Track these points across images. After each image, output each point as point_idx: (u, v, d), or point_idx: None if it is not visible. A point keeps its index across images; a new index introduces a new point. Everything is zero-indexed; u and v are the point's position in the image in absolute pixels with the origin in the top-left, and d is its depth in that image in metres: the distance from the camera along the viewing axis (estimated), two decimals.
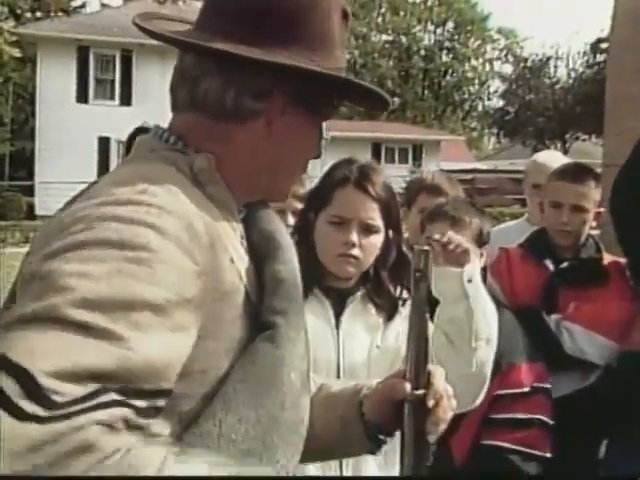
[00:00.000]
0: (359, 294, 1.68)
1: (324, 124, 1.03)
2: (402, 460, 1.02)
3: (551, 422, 2.10)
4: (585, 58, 32.40)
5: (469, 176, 22.05)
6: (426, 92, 40.60)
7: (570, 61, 33.35)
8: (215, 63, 0.93)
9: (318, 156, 1.05)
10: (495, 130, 36.69)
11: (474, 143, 39.41)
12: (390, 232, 1.68)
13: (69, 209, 0.83)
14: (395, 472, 1.59)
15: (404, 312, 1.67)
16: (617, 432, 2.46)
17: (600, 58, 29.57)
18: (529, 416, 2.08)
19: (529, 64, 33.90)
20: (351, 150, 24.41)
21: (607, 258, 2.46)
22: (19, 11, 25.74)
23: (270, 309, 0.92)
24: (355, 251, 1.62)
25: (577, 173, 2.46)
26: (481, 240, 2.03)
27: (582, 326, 2.29)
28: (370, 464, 1.58)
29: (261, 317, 0.91)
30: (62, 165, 19.04)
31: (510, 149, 34.11)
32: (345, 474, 1.55)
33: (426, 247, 1.03)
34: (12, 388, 0.63)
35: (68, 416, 0.64)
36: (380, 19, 40.28)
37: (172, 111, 0.99)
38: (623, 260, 2.48)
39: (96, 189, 0.85)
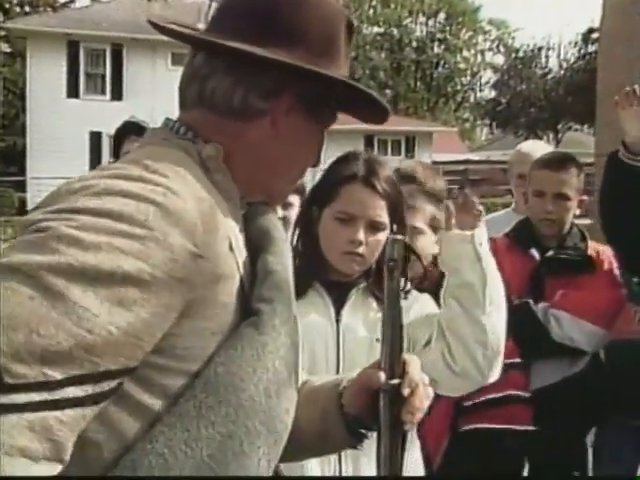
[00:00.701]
0: (360, 288, 1.67)
1: (325, 133, 1.06)
2: (378, 450, 1.01)
3: (527, 395, 2.10)
4: (576, 48, 32.46)
5: (462, 167, 22.12)
6: (418, 84, 40.58)
7: (562, 51, 33.47)
8: (225, 62, 0.96)
9: (316, 164, 1.08)
10: (487, 121, 36.73)
11: (466, 134, 39.45)
12: (395, 227, 1.66)
13: (82, 177, 0.87)
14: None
15: (405, 304, 1.67)
16: (608, 420, 2.49)
17: (591, 48, 29.59)
18: (504, 394, 2.08)
19: (521, 55, 33.94)
20: (344, 142, 24.39)
21: (593, 246, 2.47)
22: (7, 5, 25.56)
23: (257, 297, 0.93)
24: (361, 249, 1.61)
25: (559, 161, 2.47)
26: (435, 227, 2.02)
27: (570, 313, 2.30)
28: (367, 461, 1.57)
29: (249, 305, 0.93)
30: (54, 160, 18.96)
31: (502, 140, 34.13)
32: (344, 469, 1.54)
33: (399, 236, 1.03)
34: None
35: (5, 407, 0.68)
36: (371, 11, 40.19)
37: (180, 109, 1.02)
38: (608, 248, 2.50)
39: (110, 166, 0.89)
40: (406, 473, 1.51)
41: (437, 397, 1.90)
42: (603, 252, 2.46)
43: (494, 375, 1.59)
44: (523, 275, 2.39)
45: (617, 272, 2.44)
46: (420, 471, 1.65)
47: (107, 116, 20.89)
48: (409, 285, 1.68)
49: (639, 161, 2.26)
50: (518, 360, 2.16)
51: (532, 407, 2.12)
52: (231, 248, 0.90)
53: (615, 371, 2.42)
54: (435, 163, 24.95)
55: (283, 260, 1.00)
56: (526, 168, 2.93)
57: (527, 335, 2.28)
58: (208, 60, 0.98)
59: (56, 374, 0.71)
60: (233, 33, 0.96)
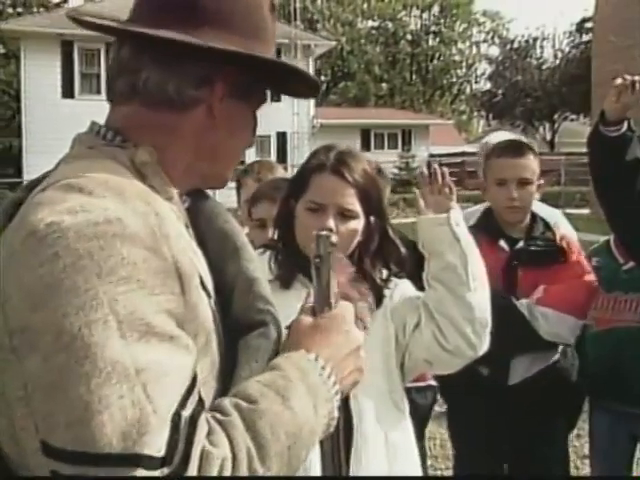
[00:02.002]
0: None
1: (257, 114, 1.05)
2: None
3: None
4: (571, 38, 32.42)
5: (459, 159, 22.08)
6: (414, 77, 40.52)
7: (556, 41, 33.43)
8: (154, 52, 0.93)
9: (251, 145, 1.07)
10: (483, 113, 36.72)
11: (463, 126, 39.43)
12: (371, 218, 1.66)
13: (24, 217, 0.82)
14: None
15: (389, 292, 1.67)
16: (600, 406, 2.51)
17: (586, 38, 29.56)
18: None
19: (515, 46, 33.89)
20: (340, 137, 24.37)
21: (559, 234, 2.45)
22: (0, 7, 25.49)
23: (253, 308, 0.95)
24: (332, 237, 1.59)
25: (517, 147, 2.46)
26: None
27: (554, 309, 2.29)
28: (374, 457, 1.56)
29: (246, 316, 0.95)
30: (50, 161, 18.60)
31: (499, 132, 34.09)
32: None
33: (324, 232, 1.01)
34: None
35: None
36: (365, 5, 40.08)
37: (110, 103, 0.99)
38: (569, 234, 2.49)
39: (45, 198, 0.83)
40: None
41: None
42: (570, 240, 2.45)
43: (484, 347, 1.63)
44: (495, 268, 2.30)
45: (584, 256, 2.45)
46: (411, 438, 1.66)
47: (103, 115, 20.83)
48: (385, 273, 1.69)
49: (613, 131, 2.21)
50: None
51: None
52: (183, 247, 0.88)
53: (603, 360, 2.44)
54: (432, 156, 24.96)
55: (257, 264, 1.01)
56: None
57: (512, 333, 2.26)
58: (136, 52, 0.95)
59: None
60: (157, 22, 0.93)
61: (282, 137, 22.01)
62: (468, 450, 2.55)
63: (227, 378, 0.89)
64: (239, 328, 0.94)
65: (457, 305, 1.58)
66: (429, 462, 3.43)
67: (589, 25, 26.81)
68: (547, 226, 2.45)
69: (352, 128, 25.21)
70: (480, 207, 3.36)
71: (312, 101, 24.13)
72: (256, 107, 1.04)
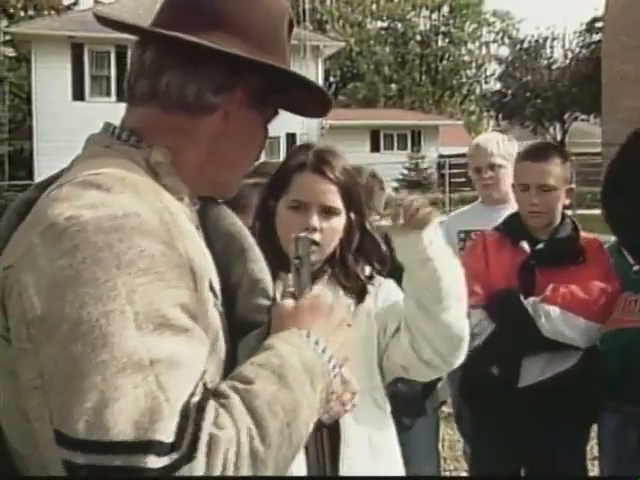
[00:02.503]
0: (325, 277, 1.66)
1: (268, 127, 1.07)
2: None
3: None
4: (581, 38, 32.25)
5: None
6: (423, 77, 40.43)
7: (566, 41, 33.20)
8: (178, 56, 0.95)
9: (259, 157, 1.09)
10: (493, 113, 36.55)
11: (473, 127, 39.28)
12: (352, 215, 1.67)
13: (39, 213, 0.85)
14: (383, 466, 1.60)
15: (374, 292, 1.68)
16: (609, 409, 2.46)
17: (596, 37, 29.42)
18: None
19: (525, 46, 33.74)
20: (349, 138, 24.44)
21: (584, 237, 2.43)
22: (12, 10, 25.63)
23: (256, 308, 0.98)
24: (316, 236, 1.60)
25: (540, 152, 2.42)
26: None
27: (560, 308, 2.25)
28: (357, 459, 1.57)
29: (249, 317, 0.97)
30: (61, 164, 18.70)
31: (509, 131, 34.01)
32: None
33: (303, 234, 1.04)
34: None
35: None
36: (374, 6, 40.02)
37: (128, 104, 1.01)
38: (601, 238, 2.48)
39: (63, 195, 0.85)
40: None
41: None
42: (594, 243, 2.42)
43: (460, 359, 1.61)
44: (513, 268, 2.36)
45: (609, 262, 2.40)
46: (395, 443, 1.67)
47: (113, 118, 20.83)
48: (368, 270, 1.69)
49: None
50: None
51: None
52: (195, 247, 0.90)
53: (612, 360, 2.41)
54: (442, 156, 24.90)
55: (262, 265, 1.03)
56: (480, 161, 2.99)
57: (517, 330, 2.27)
58: (160, 55, 0.97)
59: None
60: (181, 27, 0.95)
61: (291, 138, 22.02)
62: (483, 452, 2.54)
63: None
64: (242, 328, 0.96)
65: (430, 324, 1.54)
66: None
67: (599, 25, 26.68)
68: (574, 228, 2.42)
69: (361, 129, 25.20)
70: (469, 207, 3.38)
71: None
72: (268, 119, 1.06)
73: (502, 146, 2.98)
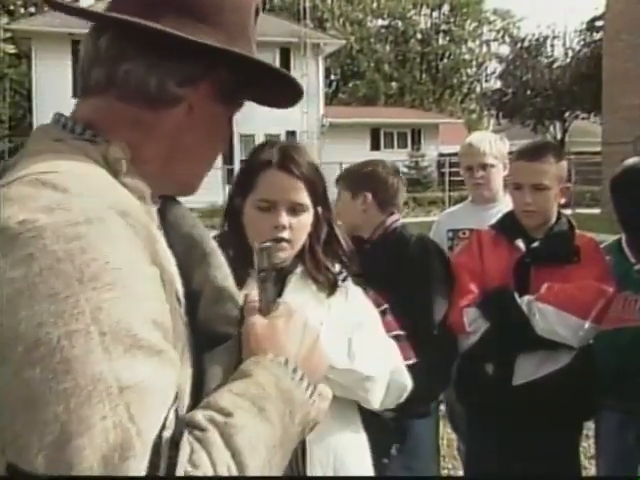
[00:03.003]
0: (297, 272, 1.66)
1: (233, 119, 1.00)
2: None
3: (403, 333, 2.12)
4: (582, 36, 32.23)
5: None
6: (424, 76, 40.45)
7: (567, 40, 33.21)
8: (138, 44, 0.86)
9: (224, 152, 1.02)
10: (494, 112, 36.53)
11: (473, 125, 39.27)
12: (319, 209, 1.66)
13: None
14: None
15: (345, 287, 1.69)
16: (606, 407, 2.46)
17: (597, 36, 29.40)
18: (390, 334, 2.10)
19: (526, 44, 33.72)
20: (350, 136, 24.42)
21: (580, 236, 2.42)
22: (12, 7, 25.61)
23: (221, 318, 0.89)
24: (285, 234, 1.60)
25: (533, 151, 2.40)
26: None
27: (554, 307, 2.24)
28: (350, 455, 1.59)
29: (211, 328, 0.88)
30: None
31: (509, 130, 34.00)
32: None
33: (266, 244, 0.97)
34: None
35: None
36: (375, 4, 40.03)
37: (81, 95, 0.92)
38: (599, 237, 2.48)
39: (13, 193, 0.74)
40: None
41: None
42: (590, 242, 2.42)
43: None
44: (508, 266, 2.35)
45: (605, 262, 2.39)
46: (367, 454, 1.68)
47: None
48: (338, 266, 1.70)
49: None
50: (386, 305, 2.10)
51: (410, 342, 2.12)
52: (163, 252, 0.83)
53: (611, 359, 2.40)
54: (442, 155, 24.91)
55: (226, 272, 0.94)
56: (472, 160, 3.00)
57: (510, 328, 2.27)
58: (117, 41, 0.87)
59: None
60: (142, 11, 0.86)
61: (292, 136, 22.02)
62: (477, 449, 2.54)
63: (198, 393, 0.82)
64: (205, 339, 0.87)
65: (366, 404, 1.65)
66: None
67: (600, 23, 26.67)
68: (570, 226, 2.42)
69: (361, 127, 25.21)
70: (460, 206, 3.37)
71: (322, 100, 24.15)
72: (233, 112, 0.98)
73: (494, 146, 2.99)
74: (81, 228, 0.70)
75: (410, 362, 2.16)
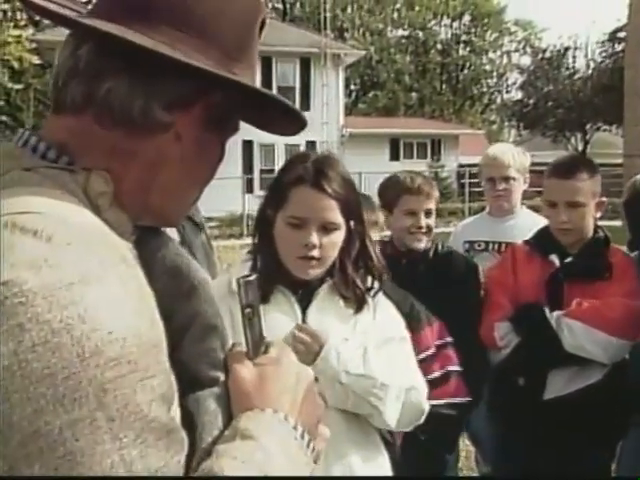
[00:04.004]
0: (325, 287, 1.64)
1: (226, 145, 0.88)
2: None
3: (460, 369, 2.15)
4: (603, 48, 32.04)
5: None
6: (444, 86, 40.39)
7: (588, 51, 33.04)
8: (124, 59, 0.75)
9: (209, 180, 0.88)
10: (514, 122, 36.39)
11: (494, 136, 39.14)
12: (352, 223, 1.63)
13: None
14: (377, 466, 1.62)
15: (373, 303, 1.67)
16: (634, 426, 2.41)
17: (618, 47, 29.21)
18: (443, 371, 2.12)
19: (547, 55, 33.60)
20: (369, 146, 24.40)
21: (615, 251, 2.40)
22: (38, 18, 25.97)
23: (207, 362, 0.80)
24: (315, 252, 1.58)
25: (567, 168, 2.38)
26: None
27: (584, 323, 2.22)
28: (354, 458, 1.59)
29: (195, 368, 0.79)
30: None
31: (530, 141, 33.83)
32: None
33: (252, 276, 0.86)
34: None
35: None
36: (395, 14, 40.10)
37: (53, 111, 0.79)
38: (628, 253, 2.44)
39: None
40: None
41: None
42: (623, 258, 2.39)
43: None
44: (542, 282, 2.34)
45: (637, 278, 2.35)
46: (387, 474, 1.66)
47: None
48: (369, 280, 1.68)
49: None
50: (449, 339, 2.17)
51: (464, 379, 2.17)
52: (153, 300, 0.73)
53: (635, 372, 2.37)
54: (462, 166, 24.82)
55: (217, 309, 0.84)
56: (494, 172, 2.98)
57: (540, 344, 2.25)
58: (100, 52, 0.75)
59: None
60: (130, 20, 0.75)
61: (311, 146, 22.09)
62: (505, 464, 2.52)
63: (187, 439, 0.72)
64: (185, 378, 0.75)
65: (379, 422, 1.63)
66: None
67: (622, 35, 26.50)
68: (606, 240, 2.40)
69: (381, 137, 25.20)
70: (476, 217, 3.36)
71: (341, 110, 24.19)
72: (226, 138, 0.87)
73: (517, 159, 2.98)
74: (77, 290, 0.60)
75: (463, 400, 2.15)
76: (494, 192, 3.00)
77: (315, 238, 1.58)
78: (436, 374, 2.11)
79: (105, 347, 0.59)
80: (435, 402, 2.02)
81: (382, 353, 1.63)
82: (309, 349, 1.55)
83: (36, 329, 0.57)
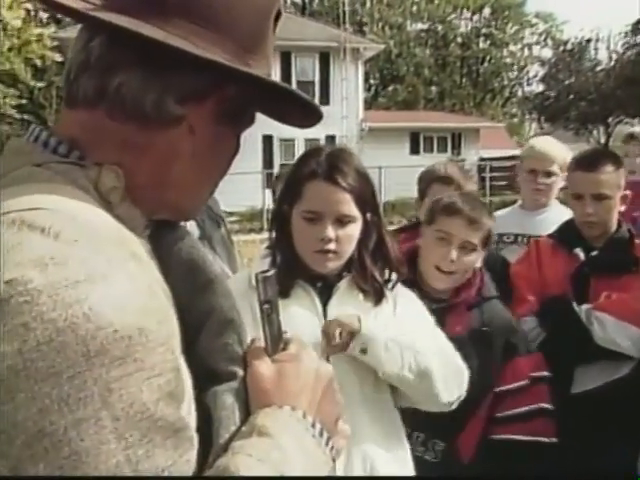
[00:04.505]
0: (345, 281, 1.65)
1: (241, 137, 0.87)
2: None
3: (552, 408, 2.08)
4: (626, 39, 31.61)
5: (510, 163, 21.79)
6: (464, 80, 40.13)
7: (611, 43, 32.66)
8: (136, 52, 0.74)
9: (224, 173, 0.87)
10: (535, 116, 36.07)
11: (515, 129, 38.85)
12: (368, 215, 1.64)
13: None
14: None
15: (392, 297, 1.68)
16: None
17: None
18: (533, 407, 2.05)
19: (569, 47, 33.23)
20: (389, 140, 24.30)
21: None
22: (59, 16, 26.21)
23: (224, 356, 0.79)
24: (332, 246, 1.59)
25: (593, 161, 2.37)
26: (488, 242, 2.03)
27: (614, 316, 2.21)
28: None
29: (213, 362, 0.79)
30: None
31: (551, 134, 33.53)
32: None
33: (270, 272, 0.85)
34: None
35: None
36: (415, 8, 39.89)
37: (65, 106, 0.79)
38: None
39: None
40: (392, 473, 1.56)
41: (471, 408, 1.91)
42: None
43: (461, 395, 1.69)
44: (567, 275, 2.33)
45: None
46: (409, 471, 1.65)
47: None
48: (387, 273, 1.69)
49: None
50: (545, 373, 2.12)
51: (556, 420, 2.09)
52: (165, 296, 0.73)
53: None
54: (483, 160, 24.68)
55: (232, 301, 0.83)
56: (537, 164, 2.93)
57: (569, 337, 2.25)
58: (111, 46, 0.74)
59: None
60: (142, 12, 0.74)
61: (331, 140, 22.10)
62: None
63: (204, 434, 0.72)
64: (202, 373, 0.75)
65: (416, 399, 1.66)
66: None
67: None
68: (630, 234, 2.39)
69: (401, 131, 25.11)
70: (508, 210, 3.32)
71: (361, 104, 24.14)
72: (241, 131, 0.86)
73: (562, 154, 2.93)
74: (82, 289, 0.59)
75: (548, 440, 2.07)
76: (534, 185, 2.95)
77: (331, 232, 1.58)
78: (525, 408, 2.05)
79: (110, 346, 0.59)
80: (518, 437, 2.01)
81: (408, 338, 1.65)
82: (348, 328, 1.57)
83: (41, 328, 0.57)
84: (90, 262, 0.61)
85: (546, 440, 2.06)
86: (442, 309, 2.00)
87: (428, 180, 2.52)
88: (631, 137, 2.93)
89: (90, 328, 0.58)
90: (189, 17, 0.75)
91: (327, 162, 1.60)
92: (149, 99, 0.74)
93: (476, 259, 2.02)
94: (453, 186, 2.41)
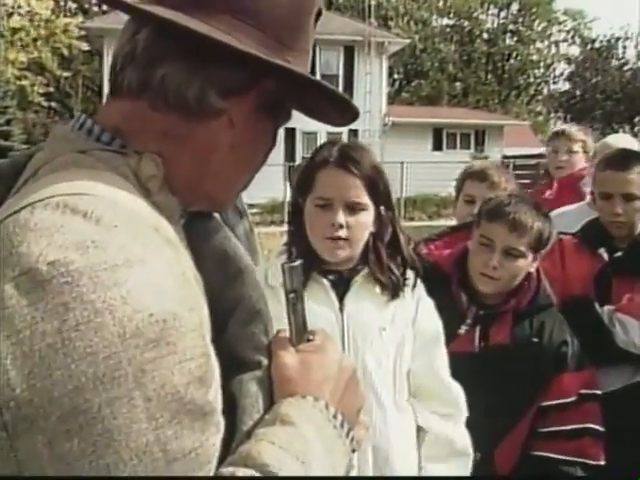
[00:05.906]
0: (362, 275, 1.65)
1: (279, 132, 0.89)
2: None
3: (602, 429, 1.99)
4: None
5: (534, 161, 21.60)
6: (489, 76, 39.83)
7: (639, 41, 32.16)
8: (180, 45, 0.76)
9: (260, 166, 0.89)
10: (561, 114, 35.73)
11: (539, 128, 38.48)
12: (381, 208, 1.64)
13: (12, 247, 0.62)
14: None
15: (415, 298, 1.68)
16: None
17: None
18: (579, 426, 1.97)
19: (597, 45, 32.86)
20: (412, 135, 24.21)
21: None
22: (87, 6, 26.44)
23: (251, 345, 0.81)
24: (342, 232, 1.59)
25: (623, 160, 2.37)
26: (540, 244, 1.95)
27: (636, 318, 2.20)
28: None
29: (240, 350, 0.80)
30: None
31: None
32: None
33: (297, 262, 0.86)
34: None
35: None
36: (441, 3, 39.65)
37: (110, 95, 0.82)
38: None
39: (35, 219, 0.63)
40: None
41: (512, 420, 1.92)
42: None
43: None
44: (590, 276, 2.32)
45: None
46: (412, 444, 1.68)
47: None
48: (411, 275, 1.69)
49: None
50: (597, 392, 2.04)
51: (605, 442, 2.00)
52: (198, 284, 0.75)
53: None
54: (506, 157, 24.48)
55: (261, 291, 0.85)
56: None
57: (591, 339, 2.21)
58: (157, 38, 0.77)
59: None
60: (187, 7, 0.76)
61: (354, 135, 22.06)
62: None
63: (229, 420, 0.73)
64: (229, 361, 0.77)
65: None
66: None
67: None
68: None
69: (424, 127, 25.00)
70: (575, 206, 3.25)
71: (384, 99, 24.07)
72: (279, 125, 0.88)
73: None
74: (121, 273, 0.61)
75: (594, 463, 1.98)
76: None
77: (341, 217, 1.59)
78: (570, 426, 1.97)
79: (145, 329, 0.60)
80: (562, 457, 1.93)
81: (423, 357, 1.68)
82: None
83: (80, 308, 0.59)
84: (128, 247, 0.63)
85: (592, 462, 1.96)
86: (488, 315, 1.98)
87: (462, 176, 2.50)
88: None
89: (127, 310, 0.60)
90: (232, 13, 0.77)
91: (339, 151, 1.62)
92: (192, 91, 0.77)
93: (525, 265, 1.95)
94: (487, 183, 2.38)
